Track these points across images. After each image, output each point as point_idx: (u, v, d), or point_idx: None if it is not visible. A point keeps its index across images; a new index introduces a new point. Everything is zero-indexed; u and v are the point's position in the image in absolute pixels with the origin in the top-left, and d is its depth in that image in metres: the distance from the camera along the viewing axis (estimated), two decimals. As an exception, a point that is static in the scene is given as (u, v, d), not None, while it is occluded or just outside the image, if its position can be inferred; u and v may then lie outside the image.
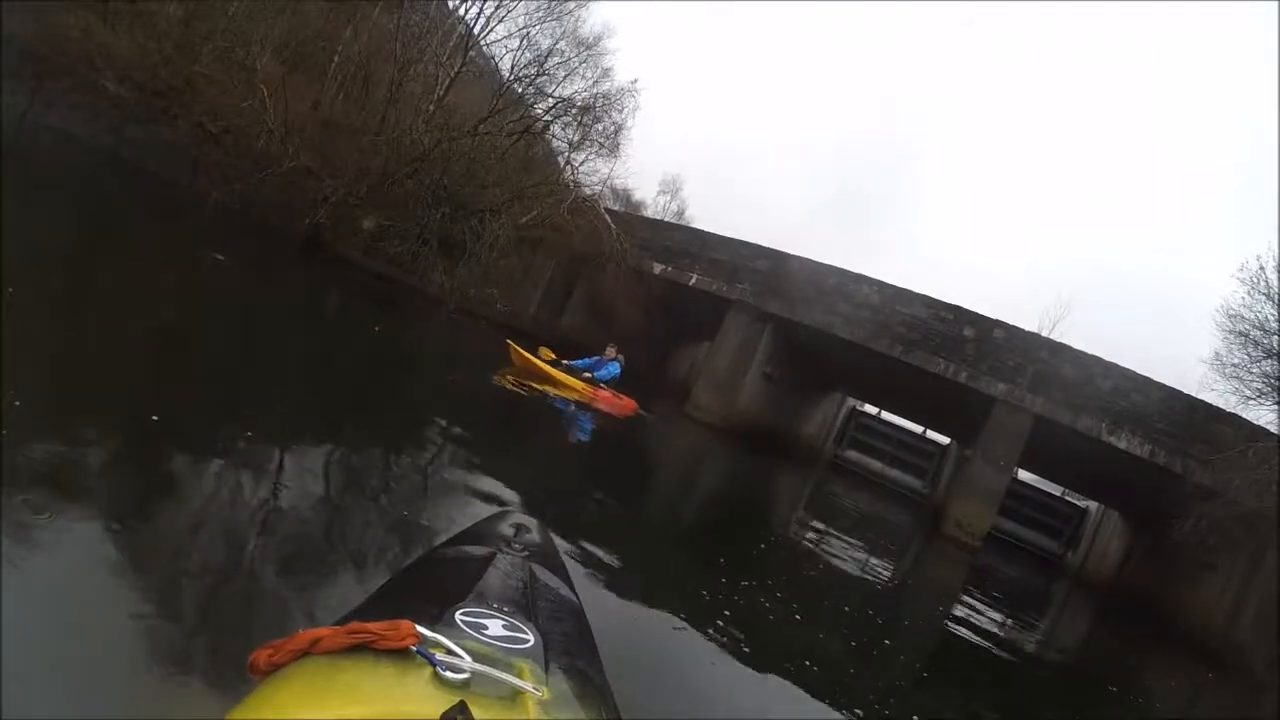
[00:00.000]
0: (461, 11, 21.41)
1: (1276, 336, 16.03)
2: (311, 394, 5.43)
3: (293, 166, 15.78)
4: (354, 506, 3.42)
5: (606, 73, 21.57)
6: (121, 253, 7.79)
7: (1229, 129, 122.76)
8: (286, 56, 17.90)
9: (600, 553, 4.03)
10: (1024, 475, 28.29)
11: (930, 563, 13.10)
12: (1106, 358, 16.66)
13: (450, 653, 1.08)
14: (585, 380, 11.86)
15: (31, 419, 2.66)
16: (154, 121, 15.12)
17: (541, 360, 11.40)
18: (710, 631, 3.67)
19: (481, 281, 18.29)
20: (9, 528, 1.92)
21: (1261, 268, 16.18)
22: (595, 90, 21.41)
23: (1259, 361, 16.51)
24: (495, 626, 1.26)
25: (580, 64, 21.42)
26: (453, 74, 20.15)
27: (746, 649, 3.68)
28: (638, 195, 35.51)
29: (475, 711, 0.93)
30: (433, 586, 1.62)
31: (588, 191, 21.89)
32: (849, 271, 19.04)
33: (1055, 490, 30.16)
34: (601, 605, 3.16)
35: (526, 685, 1.06)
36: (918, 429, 32.13)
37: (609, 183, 24.62)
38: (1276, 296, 15.98)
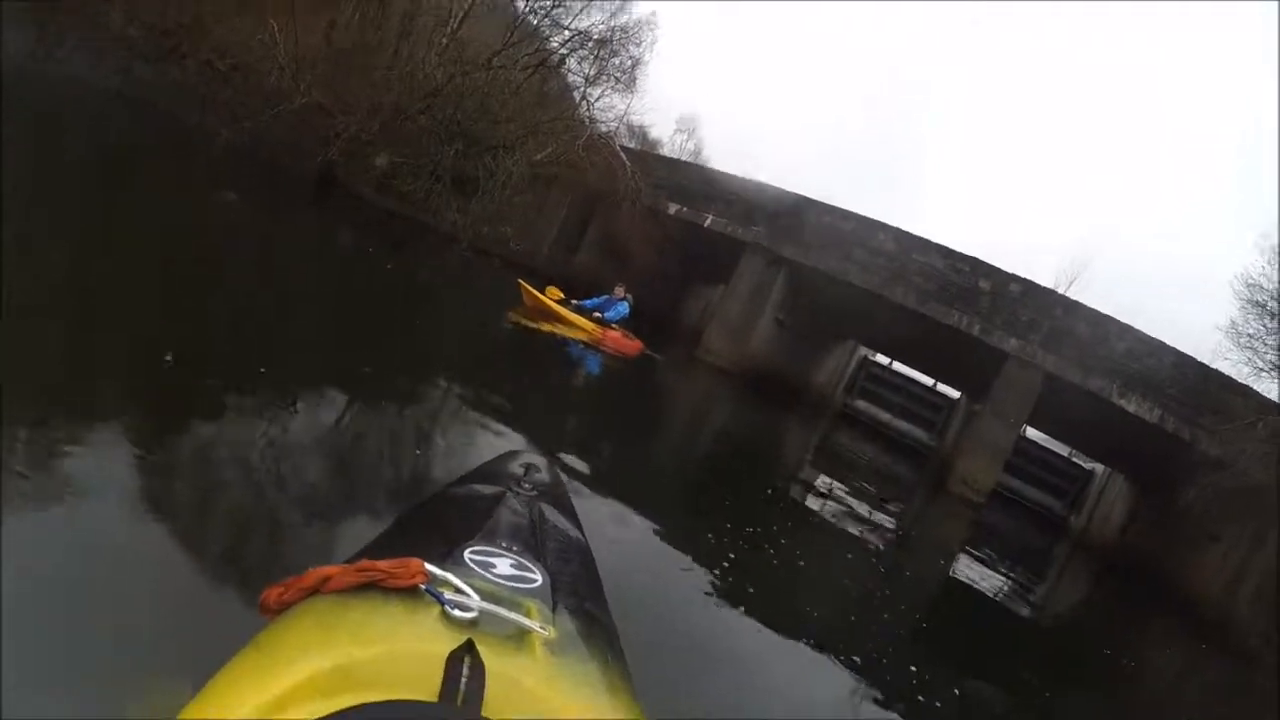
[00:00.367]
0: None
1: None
2: (324, 333, 5.44)
3: (304, 103, 15.58)
4: (365, 445, 3.45)
5: (624, 5, 21.13)
6: (132, 192, 7.75)
7: (1239, 106, 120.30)
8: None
9: (609, 494, 4.06)
10: (1032, 434, 28.29)
11: (934, 517, 13.21)
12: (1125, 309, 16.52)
13: (459, 591, 1.08)
14: (595, 320, 11.85)
15: (42, 360, 2.67)
16: (162, 60, 14.95)
17: (550, 299, 11.41)
18: (715, 574, 3.72)
19: (495, 219, 18.15)
20: (14, 477, 1.93)
21: (1283, 239, 15.94)
22: (612, 23, 21.00)
23: (1275, 332, 16.35)
24: (503, 565, 1.27)
25: (598, -5, 20.95)
26: (467, 6, 19.76)
27: (750, 592, 3.73)
28: (654, 133, 35.04)
29: (482, 650, 0.94)
30: (442, 525, 1.63)
31: (603, 128, 21.57)
32: (866, 218, 18.79)
33: (1063, 451, 30.13)
34: (609, 546, 3.18)
35: (534, 625, 1.07)
36: (928, 381, 32.07)
37: (625, 120, 24.27)
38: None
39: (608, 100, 22.14)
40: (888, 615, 4.85)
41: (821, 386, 30.10)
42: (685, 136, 39.65)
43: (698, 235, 21.46)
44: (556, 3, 20.76)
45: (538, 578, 1.28)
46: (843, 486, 9.71)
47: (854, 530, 7.31)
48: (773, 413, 16.81)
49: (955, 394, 30.40)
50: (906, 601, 5.61)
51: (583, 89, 21.97)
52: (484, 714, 0.86)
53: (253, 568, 2.04)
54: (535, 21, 21.02)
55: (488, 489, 1.82)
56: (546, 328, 10.49)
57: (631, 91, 22.24)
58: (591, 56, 21.22)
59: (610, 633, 1.39)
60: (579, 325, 11.41)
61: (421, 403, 4.62)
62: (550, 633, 1.09)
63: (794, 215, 19.37)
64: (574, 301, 11.96)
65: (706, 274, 25.92)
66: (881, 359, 33.49)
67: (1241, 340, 16.85)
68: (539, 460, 2.26)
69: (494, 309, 10.52)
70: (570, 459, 4.40)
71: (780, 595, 4.04)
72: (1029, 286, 17.19)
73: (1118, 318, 16.48)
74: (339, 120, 15.95)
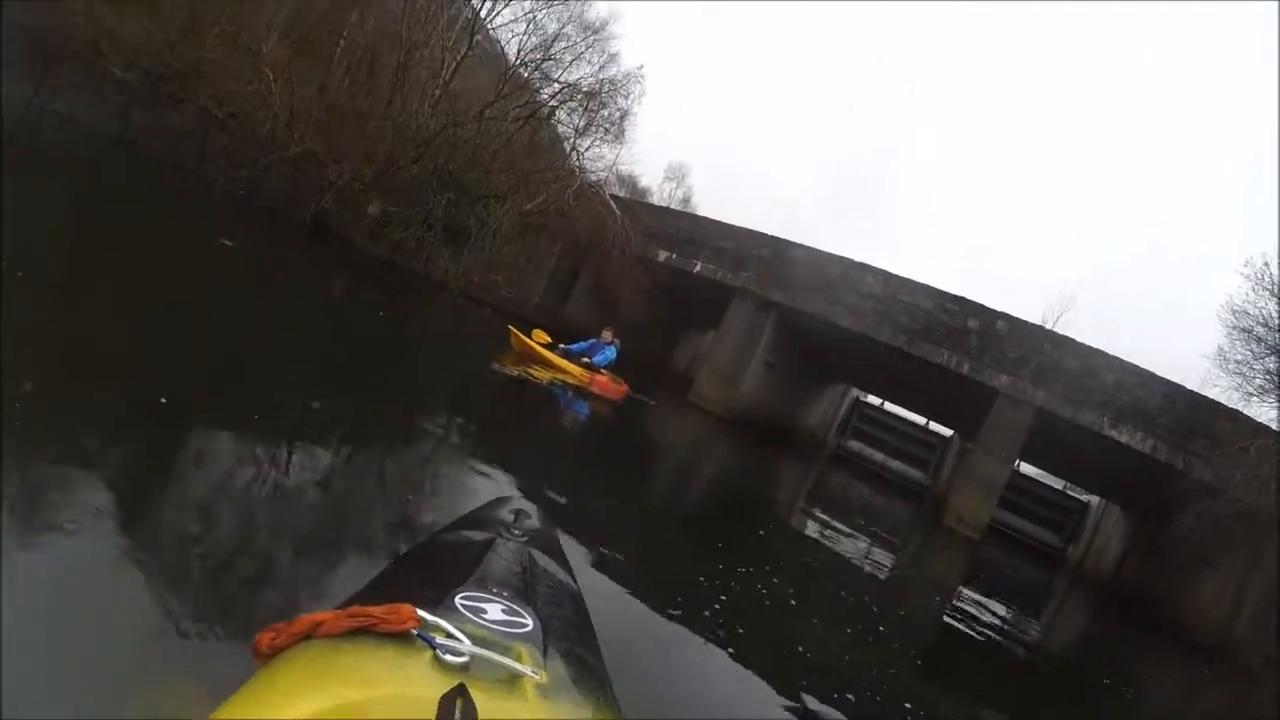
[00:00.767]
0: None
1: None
2: (317, 378, 5.45)
3: (298, 152, 15.79)
4: (356, 491, 3.44)
5: (613, 58, 21.57)
6: (128, 237, 7.78)
7: (1236, 124, 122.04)
8: (292, 40, 17.84)
9: (599, 539, 4.05)
10: (1026, 469, 28.30)
11: (930, 554, 13.12)
12: (1109, 351, 16.65)
13: (450, 636, 1.10)
14: (583, 365, 11.90)
15: (40, 403, 2.68)
16: (160, 107, 15.14)
17: (537, 342, 11.43)
18: (706, 616, 3.70)
19: (486, 268, 18.30)
20: (10, 517, 1.94)
21: (1266, 264, 16.19)
22: (601, 76, 21.40)
23: (1262, 358, 16.52)
24: (495, 610, 1.28)
25: (586, 49, 21.38)
26: (458, 58, 20.07)
27: (742, 633, 3.71)
28: (644, 182, 35.49)
29: (474, 694, 0.95)
30: (433, 571, 1.64)
31: (593, 178, 21.81)
32: (853, 261, 19.00)
33: (1057, 484, 30.13)
34: (600, 590, 3.19)
35: (525, 669, 1.08)
36: (920, 421, 32.13)
37: (614, 169, 24.60)
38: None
39: (597, 150, 22.52)
40: (883, 653, 4.81)
41: (814, 429, 30.14)
42: (675, 184, 40.09)
43: (687, 282, 21.63)
44: (546, 55, 21.10)
45: (529, 622, 1.29)
46: (837, 526, 9.67)
47: (849, 570, 7.28)
48: (765, 456, 16.75)
49: (948, 432, 30.45)
50: (902, 639, 5.56)
51: (573, 139, 22.30)
52: None
53: (245, 612, 2.03)
54: (526, 74, 21.35)
55: (478, 535, 1.83)
56: (535, 373, 10.50)
57: (620, 142, 22.64)
58: (581, 108, 21.55)
59: (602, 677, 1.39)
60: (567, 370, 11.44)
61: (412, 448, 4.62)
62: (542, 677, 1.10)
63: (782, 260, 19.56)
64: (561, 345, 12.02)
65: (697, 320, 26.06)
66: (874, 400, 33.58)
67: (1229, 366, 17.03)
68: (529, 506, 2.27)
69: (484, 356, 10.53)
70: (560, 504, 4.40)
71: (773, 635, 4.02)
72: (1016, 323, 17.34)
73: (1105, 350, 16.61)
74: (332, 169, 16.11)
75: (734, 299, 20.10)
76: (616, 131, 22.09)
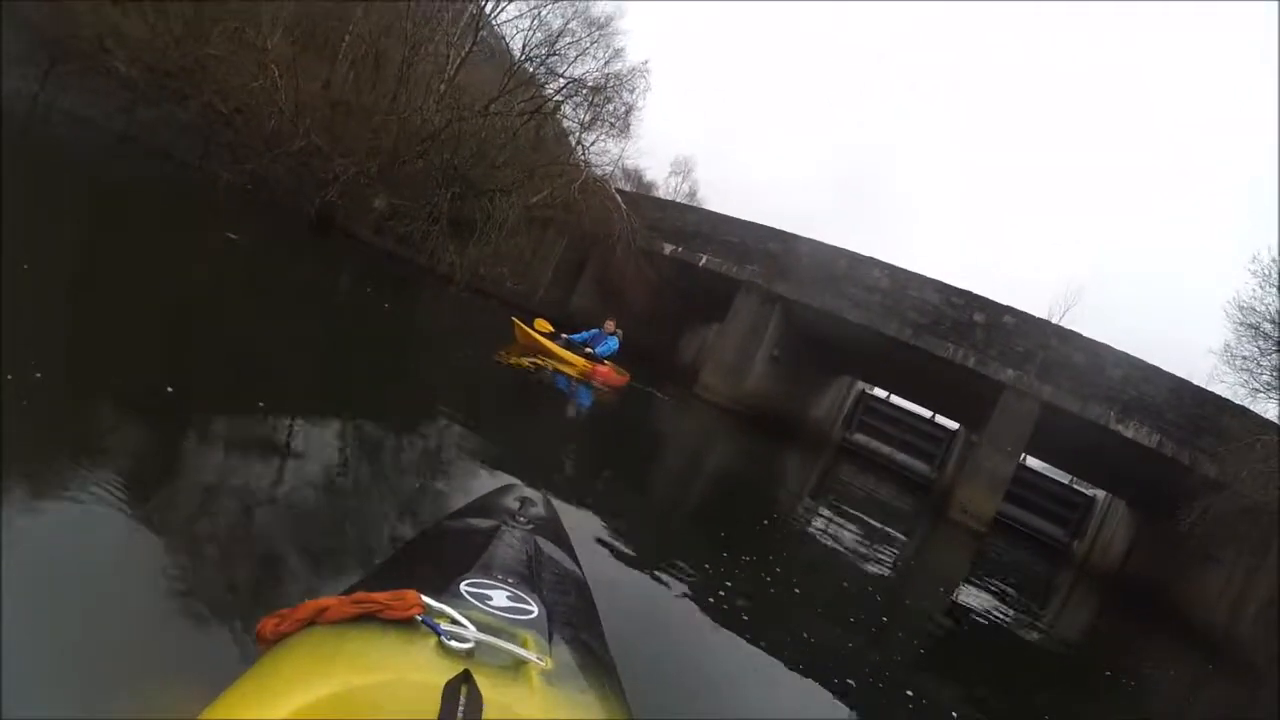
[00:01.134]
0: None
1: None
2: (322, 370, 5.46)
3: (303, 146, 15.78)
4: (362, 479, 3.45)
5: (618, 53, 21.45)
6: (135, 232, 7.81)
7: (1243, 121, 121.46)
8: (297, 36, 17.83)
9: (605, 526, 4.06)
10: (1032, 462, 28.25)
11: (934, 546, 13.12)
12: (1116, 346, 16.59)
13: (455, 622, 1.09)
14: (586, 356, 11.95)
15: (48, 392, 2.69)
16: (165, 103, 15.15)
17: (539, 332, 11.49)
18: (711, 603, 3.71)
19: (491, 261, 18.25)
20: (16, 505, 1.95)
21: (1274, 259, 16.08)
22: (606, 70, 21.31)
23: (1269, 354, 16.42)
24: (500, 597, 1.28)
25: (591, 44, 21.29)
26: (463, 54, 20.06)
27: (746, 620, 3.71)
28: (649, 176, 35.42)
29: (479, 680, 0.95)
30: (439, 558, 1.64)
31: (598, 172, 21.77)
32: (859, 254, 18.93)
33: (1063, 478, 30.07)
34: (605, 577, 3.19)
35: (530, 655, 1.08)
36: (926, 414, 32.06)
37: (620, 163, 24.51)
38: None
39: (603, 145, 22.45)
40: (886, 642, 4.82)
41: (820, 421, 30.08)
42: (680, 179, 40.01)
43: (693, 275, 21.59)
44: (551, 51, 21.08)
45: (534, 609, 1.29)
46: (842, 518, 9.68)
47: (853, 560, 7.28)
48: (771, 448, 16.76)
49: (954, 426, 30.37)
50: (905, 629, 5.58)
51: (578, 134, 22.25)
52: None
53: (250, 598, 2.03)
54: (531, 69, 21.33)
55: (484, 522, 1.83)
56: (539, 363, 10.53)
57: (626, 136, 22.55)
58: (586, 103, 21.51)
59: (607, 663, 1.39)
60: (570, 361, 11.50)
61: (418, 438, 4.63)
62: (547, 663, 1.10)
63: (788, 253, 19.51)
64: (564, 335, 12.06)
65: (702, 313, 26.03)
66: (879, 393, 33.52)
67: (1236, 362, 16.94)
68: (534, 494, 2.28)
69: (489, 347, 10.54)
70: (566, 492, 4.40)
71: (778, 624, 4.03)
72: (1023, 318, 17.27)
73: (1112, 345, 16.56)
74: (338, 163, 16.09)
75: (739, 292, 20.06)
76: (622, 126, 22.04)
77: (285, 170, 15.77)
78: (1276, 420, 15.57)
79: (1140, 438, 15.80)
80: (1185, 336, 21.76)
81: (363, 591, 1.15)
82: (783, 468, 14.38)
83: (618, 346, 12.76)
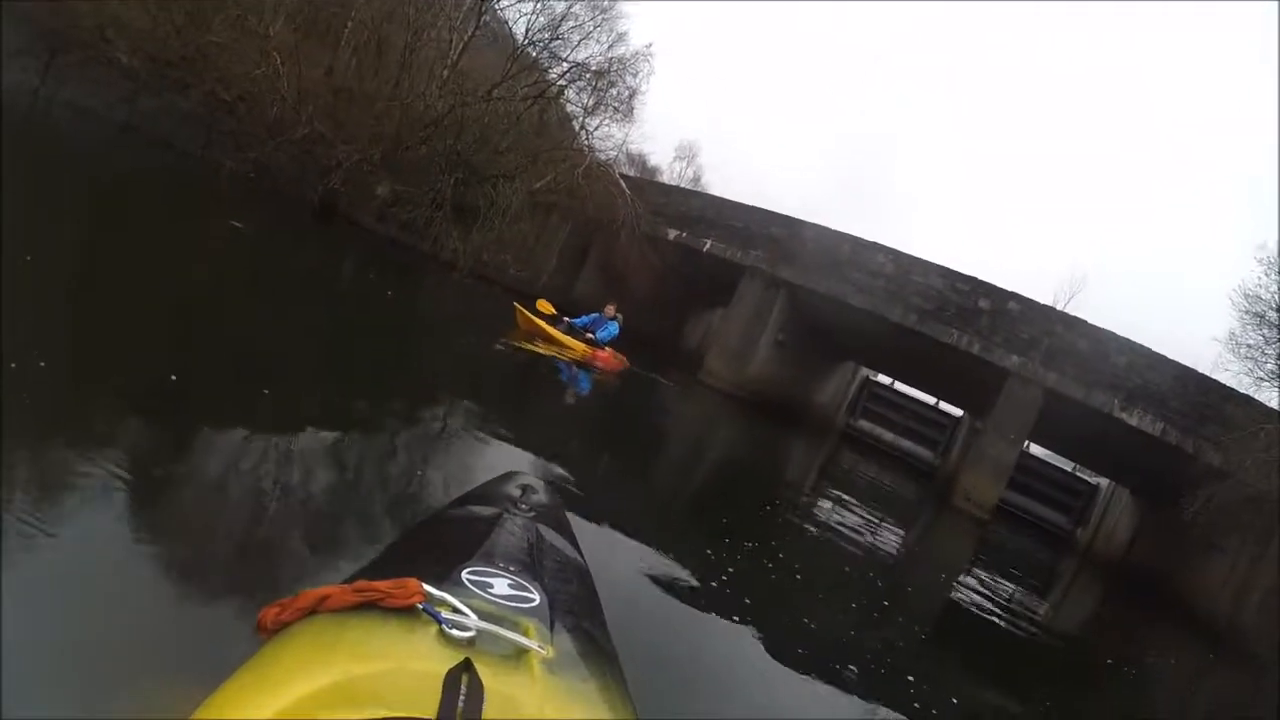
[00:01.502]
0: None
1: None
2: (326, 357, 5.47)
3: (306, 134, 15.76)
4: (364, 467, 3.46)
5: (621, 37, 21.36)
6: (138, 222, 7.81)
7: (1243, 118, 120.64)
8: (299, 23, 17.77)
9: (607, 514, 4.06)
10: (1036, 450, 28.21)
11: (937, 533, 13.14)
12: (1121, 333, 16.54)
13: (456, 611, 1.09)
14: (587, 341, 12.02)
15: (51, 382, 2.70)
16: (167, 92, 15.12)
17: (541, 313, 11.57)
18: (713, 590, 3.73)
19: (495, 247, 18.25)
20: (14, 492, 1.95)
21: (1280, 248, 16.00)
22: (610, 55, 21.24)
23: (1274, 343, 16.37)
24: (501, 585, 1.28)
25: (595, 28, 21.21)
26: (466, 39, 19.97)
27: (748, 605, 3.73)
28: (653, 161, 35.27)
29: (480, 669, 0.95)
30: (440, 546, 1.64)
31: (602, 157, 21.71)
32: (864, 240, 18.87)
33: (1067, 466, 30.03)
34: (607, 565, 3.19)
35: (531, 644, 1.08)
36: (930, 400, 32.02)
37: (624, 148, 24.46)
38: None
39: (606, 129, 22.42)
40: (887, 628, 4.83)
41: (824, 407, 30.06)
42: (684, 164, 39.85)
43: (697, 260, 21.54)
44: (555, 35, 20.98)
45: (535, 597, 1.28)
46: (845, 504, 9.68)
47: (856, 546, 7.28)
48: (775, 434, 16.78)
49: (958, 412, 30.33)
50: (906, 615, 5.59)
51: (581, 119, 22.18)
52: None
53: (251, 587, 2.03)
54: (534, 54, 21.23)
55: (485, 510, 1.83)
56: (540, 349, 10.56)
57: (629, 120, 22.51)
58: (590, 87, 21.44)
59: (609, 651, 1.39)
60: (571, 345, 11.57)
61: (420, 425, 4.63)
62: (548, 652, 1.10)
63: (792, 239, 19.45)
64: (565, 319, 12.11)
65: (707, 298, 25.98)
66: (883, 379, 33.47)
67: (1241, 351, 16.90)
68: (536, 482, 2.27)
69: (492, 334, 10.55)
70: (568, 480, 4.41)
71: (780, 609, 4.04)
72: (1028, 304, 17.22)
73: (1117, 332, 16.51)
74: (340, 150, 16.07)
75: (744, 277, 20.01)
76: (625, 110, 21.99)
77: (288, 158, 15.75)
78: (1281, 409, 15.53)
79: (1144, 425, 15.77)
80: (1187, 332, 21.66)
81: (364, 580, 1.14)
82: (786, 454, 14.39)
83: (618, 331, 12.80)
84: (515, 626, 1.13)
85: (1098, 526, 26.81)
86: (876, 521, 9.59)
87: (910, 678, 3.78)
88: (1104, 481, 28.12)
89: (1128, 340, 16.37)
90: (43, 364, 2.74)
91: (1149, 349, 16.22)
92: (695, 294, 25.62)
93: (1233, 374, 16.79)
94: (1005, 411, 16.93)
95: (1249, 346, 16.74)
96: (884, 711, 3.34)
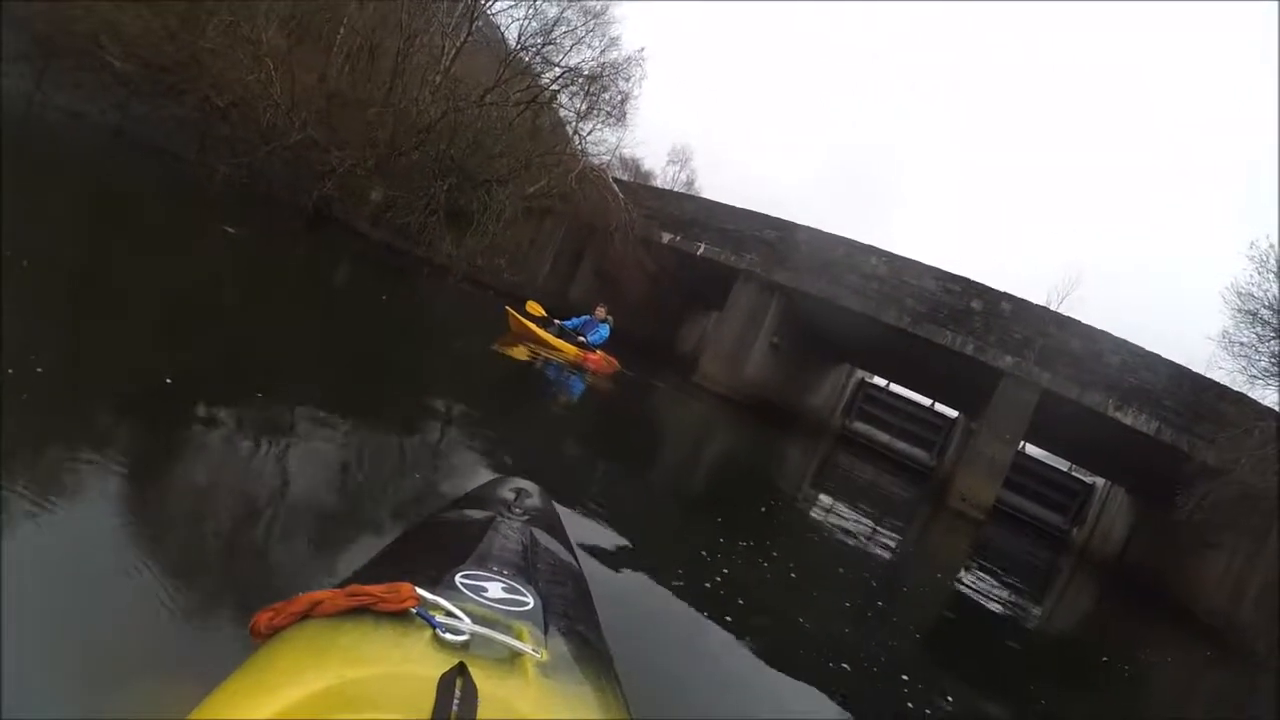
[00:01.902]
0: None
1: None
2: (320, 361, 5.47)
3: (299, 139, 15.76)
4: (356, 471, 3.46)
5: (614, 41, 21.45)
6: (132, 226, 7.79)
7: (1240, 118, 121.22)
8: (292, 29, 17.76)
9: (600, 516, 4.07)
10: (1032, 450, 28.27)
11: (933, 534, 13.15)
12: (1119, 334, 16.60)
13: (450, 615, 1.09)
14: (578, 345, 12.08)
15: (48, 385, 2.70)
16: (160, 97, 15.10)
17: (531, 314, 11.67)
18: (707, 591, 3.73)
19: (489, 252, 18.27)
20: (13, 500, 1.95)
21: (1271, 246, 16.03)
22: (602, 59, 21.33)
23: (1267, 340, 16.41)
24: (495, 589, 1.28)
25: (587, 33, 21.25)
26: (459, 44, 19.99)
27: (742, 605, 3.73)
28: (647, 165, 35.31)
29: (474, 673, 0.94)
30: (433, 549, 1.64)
31: (595, 161, 21.76)
32: (857, 242, 18.94)
33: (1063, 465, 30.09)
34: (601, 568, 3.21)
35: (525, 647, 1.08)
36: (926, 402, 32.08)
37: (617, 152, 24.55)
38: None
39: (599, 134, 22.46)
40: (882, 628, 4.83)
41: (819, 409, 30.13)
42: (678, 168, 39.89)
43: (691, 263, 21.59)
44: (547, 40, 21.01)
45: (529, 601, 1.28)
46: (840, 505, 9.69)
47: (851, 547, 7.29)
48: (770, 436, 16.78)
49: (953, 413, 30.40)
50: (902, 615, 5.59)
51: (575, 123, 22.22)
52: None
53: (243, 591, 2.03)
54: (527, 59, 21.26)
55: (479, 514, 1.83)
56: (532, 353, 10.58)
57: (622, 125, 22.59)
58: (582, 92, 21.50)
59: (603, 654, 1.39)
60: (562, 349, 11.62)
61: (413, 429, 4.63)
62: (542, 655, 1.10)
63: (786, 242, 19.52)
64: (556, 321, 12.18)
65: (702, 302, 26.03)
66: (879, 381, 33.52)
67: (1234, 349, 16.93)
68: (530, 485, 2.27)
69: (485, 338, 10.56)
70: (562, 483, 4.40)
71: (774, 610, 4.04)
72: (1021, 304, 17.29)
73: (1111, 332, 16.57)
74: (334, 155, 16.08)
75: (738, 280, 20.07)
76: (618, 115, 22.10)
77: (282, 164, 15.74)
78: (1275, 406, 15.61)
79: (1139, 424, 15.84)
80: (1182, 330, 21.74)
81: (357, 584, 1.14)
82: (781, 456, 14.40)
83: (609, 334, 12.83)
84: (509, 630, 1.13)
85: (1094, 526, 26.89)
86: (872, 523, 9.61)
87: (905, 677, 3.79)
88: (1100, 481, 28.19)
89: (1122, 340, 16.45)
90: (39, 370, 2.75)
91: (1143, 348, 16.30)
92: (690, 297, 25.67)
93: (1226, 372, 16.86)
94: (1000, 412, 16.98)
95: (1242, 344, 16.79)
96: (878, 712, 3.35)
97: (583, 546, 2.16)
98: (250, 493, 2.69)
